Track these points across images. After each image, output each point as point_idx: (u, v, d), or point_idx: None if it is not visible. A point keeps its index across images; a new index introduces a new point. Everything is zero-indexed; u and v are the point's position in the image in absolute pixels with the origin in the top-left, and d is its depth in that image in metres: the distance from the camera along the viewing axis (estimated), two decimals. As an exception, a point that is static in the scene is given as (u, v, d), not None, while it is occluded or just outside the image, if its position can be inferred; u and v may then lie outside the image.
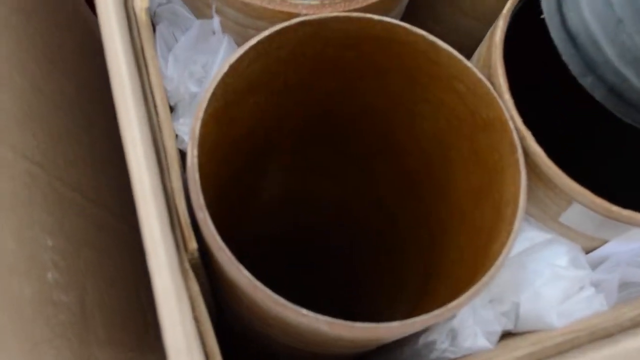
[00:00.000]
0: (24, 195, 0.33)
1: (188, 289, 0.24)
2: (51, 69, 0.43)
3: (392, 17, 0.34)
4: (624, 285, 0.34)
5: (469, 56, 0.36)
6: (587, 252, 0.34)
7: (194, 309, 0.24)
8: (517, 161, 0.29)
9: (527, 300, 0.30)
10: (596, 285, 0.33)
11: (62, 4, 0.52)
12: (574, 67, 0.28)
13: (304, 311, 0.24)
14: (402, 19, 0.38)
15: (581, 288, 0.31)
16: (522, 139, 0.29)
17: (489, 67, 0.31)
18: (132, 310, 0.45)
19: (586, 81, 0.28)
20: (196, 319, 0.24)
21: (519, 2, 0.32)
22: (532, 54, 0.34)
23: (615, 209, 0.29)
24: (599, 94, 0.28)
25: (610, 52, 0.26)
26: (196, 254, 0.25)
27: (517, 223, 0.28)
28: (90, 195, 0.44)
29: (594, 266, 0.34)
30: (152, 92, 0.26)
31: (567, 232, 0.32)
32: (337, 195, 0.48)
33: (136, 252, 0.49)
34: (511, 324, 0.31)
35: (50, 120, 0.41)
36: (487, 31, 0.35)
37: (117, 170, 0.50)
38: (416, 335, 0.32)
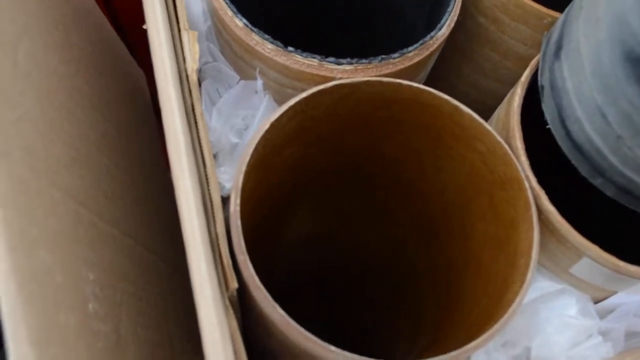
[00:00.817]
0: (69, 233, 0.36)
1: (228, 324, 0.27)
2: (96, 116, 0.46)
3: (419, 79, 0.37)
4: (631, 335, 0.36)
5: (490, 112, 0.39)
6: (597, 301, 0.36)
7: (233, 342, 0.27)
8: (531, 217, 0.31)
9: (538, 346, 0.33)
10: (604, 333, 0.35)
11: (106, 51, 0.56)
12: (583, 170, 0.31)
13: (333, 348, 0.27)
14: (428, 76, 0.41)
15: (589, 336, 0.34)
16: (536, 197, 0.32)
17: (507, 130, 0.34)
18: (160, 339, 0.47)
19: (596, 182, 0.31)
20: (235, 352, 0.27)
21: (536, 69, 0.35)
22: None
23: (623, 264, 0.31)
24: (610, 192, 0.31)
25: (614, 160, 0.29)
26: (235, 293, 0.28)
27: (530, 274, 0.30)
28: (127, 230, 0.47)
29: (603, 315, 0.36)
30: (200, 146, 0.29)
31: (578, 283, 0.34)
32: (361, 239, 0.51)
33: (166, 283, 0.52)
34: (522, 368, 0.33)
35: (93, 162, 0.44)
36: (507, 91, 0.38)
37: (152, 207, 0.53)
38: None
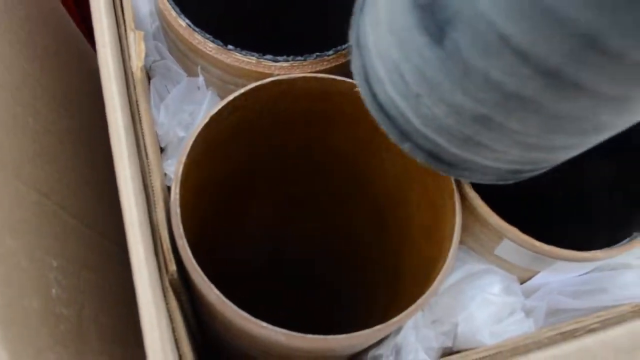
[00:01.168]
0: (33, 222, 0.38)
1: (167, 303, 0.29)
2: (60, 112, 0.48)
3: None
4: (555, 312, 0.38)
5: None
6: (523, 281, 0.38)
7: (171, 320, 0.29)
8: (454, 203, 0.34)
9: (463, 321, 0.35)
10: (529, 311, 0.38)
11: (71, 50, 0.58)
12: (392, 135, 0.30)
13: (264, 324, 0.29)
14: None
15: (512, 313, 0.36)
16: (460, 184, 0.34)
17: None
18: (122, 326, 0.49)
19: (405, 147, 0.30)
20: (173, 329, 0.29)
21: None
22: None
23: (539, 244, 0.34)
24: (420, 157, 0.30)
25: (417, 122, 0.27)
26: (176, 275, 0.30)
27: (451, 255, 0.33)
28: (89, 222, 0.49)
29: (529, 294, 0.39)
30: (144, 139, 0.32)
31: (503, 264, 0.37)
32: (315, 227, 0.53)
33: (128, 274, 0.54)
34: (450, 342, 0.36)
35: (56, 156, 0.46)
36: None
37: (112, 199, 0.55)
38: (368, 349, 0.37)
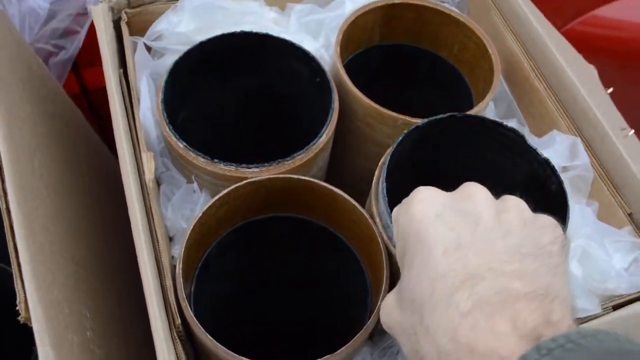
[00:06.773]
0: (72, 283, 0.51)
1: (175, 347, 0.41)
2: (87, 209, 0.62)
3: (314, 171, 0.53)
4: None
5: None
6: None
7: (177, 356, 0.41)
8: (381, 259, 0.46)
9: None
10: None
11: (96, 161, 0.72)
12: None
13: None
14: (333, 163, 0.57)
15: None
16: (387, 244, 0.46)
17: (370, 200, 0.49)
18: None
19: None
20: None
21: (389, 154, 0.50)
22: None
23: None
24: None
25: None
26: (181, 328, 0.42)
27: (385, 279, 0.44)
28: (108, 292, 0.62)
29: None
30: (155, 231, 0.44)
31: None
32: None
33: (142, 334, 0.66)
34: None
35: (86, 238, 0.60)
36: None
37: (128, 273, 0.68)
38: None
